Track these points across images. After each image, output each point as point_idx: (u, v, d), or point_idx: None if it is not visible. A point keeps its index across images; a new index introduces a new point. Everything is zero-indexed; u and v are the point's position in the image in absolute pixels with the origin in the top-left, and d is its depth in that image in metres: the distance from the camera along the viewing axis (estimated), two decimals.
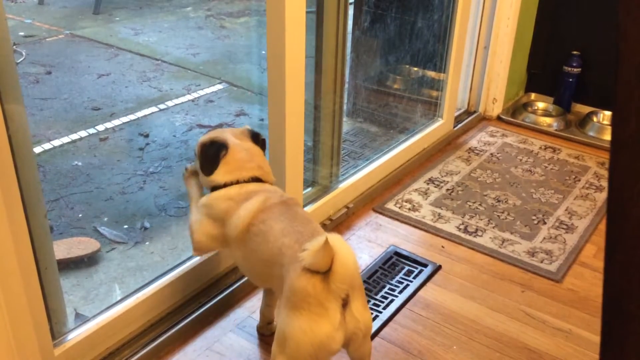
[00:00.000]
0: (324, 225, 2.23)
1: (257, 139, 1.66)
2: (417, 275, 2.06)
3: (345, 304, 1.30)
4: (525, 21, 3.24)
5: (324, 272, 1.26)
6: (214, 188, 1.59)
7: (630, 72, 0.68)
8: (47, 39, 4.47)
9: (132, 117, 3.32)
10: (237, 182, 1.57)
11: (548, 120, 3.21)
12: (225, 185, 1.57)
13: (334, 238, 1.24)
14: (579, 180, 2.71)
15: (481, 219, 2.38)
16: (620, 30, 0.67)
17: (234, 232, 1.52)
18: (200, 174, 1.63)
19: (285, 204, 1.51)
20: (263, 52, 4.35)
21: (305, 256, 1.27)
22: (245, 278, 1.92)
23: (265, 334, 1.78)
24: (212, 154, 1.58)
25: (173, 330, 1.73)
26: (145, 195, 2.56)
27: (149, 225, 2.36)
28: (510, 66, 3.20)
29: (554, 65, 3.32)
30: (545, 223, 2.38)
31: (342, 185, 2.36)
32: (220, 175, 1.57)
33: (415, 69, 3.24)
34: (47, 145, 2.94)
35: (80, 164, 2.78)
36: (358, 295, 1.34)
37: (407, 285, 2.02)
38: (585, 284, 2.06)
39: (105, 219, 2.38)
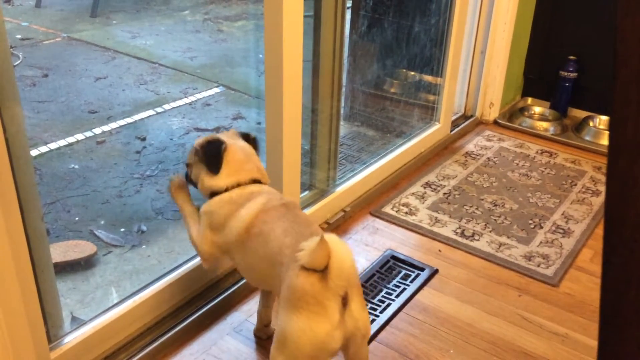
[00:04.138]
0: (321, 229, 2.23)
1: (247, 138, 1.66)
2: (414, 279, 2.06)
3: (344, 303, 1.30)
4: (522, 26, 3.25)
5: (322, 271, 1.26)
6: (212, 194, 1.58)
7: (628, 75, 0.67)
8: (44, 42, 4.46)
9: (129, 120, 3.32)
10: (238, 185, 1.57)
11: (544, 124, 3.22)
12: (226, 190, 1.56)
13: (330, 236, 1.25)
14: (576, 185, 2.72)
15: (478, 223, 2.38)
16: (618, 32, 0.67)
17: (234, 233, 1.51)
18: (200, 181, 1.61)
19: (285, 206, 1.52)
20: (260, 55, 4.36)
21: (302, 255, 1.27)
22: (243, 281, 1.91)
23: (262, 338, 1.77)
24: (214, 151, 1.57)
25: (170, 334, 1.73)
26: (142, 199, 2.55)
27: (145, 229, 2.35)
28: (507, 70, 3.21)
29: (550, 70, 3.33)
30: (541, 227, 2.39)
31: (339, 189, 2.36)
32: (221, 179, 1.57)
33: (412, 73, 3.24)
34: (43, 148, 2.93)
35: (77, 166, 2.78)
36: (356, 295, 1.33)
37: (404, 289, 2.02)
38: (582, 288, 2.06)
39: (102, 222, 2.38)
